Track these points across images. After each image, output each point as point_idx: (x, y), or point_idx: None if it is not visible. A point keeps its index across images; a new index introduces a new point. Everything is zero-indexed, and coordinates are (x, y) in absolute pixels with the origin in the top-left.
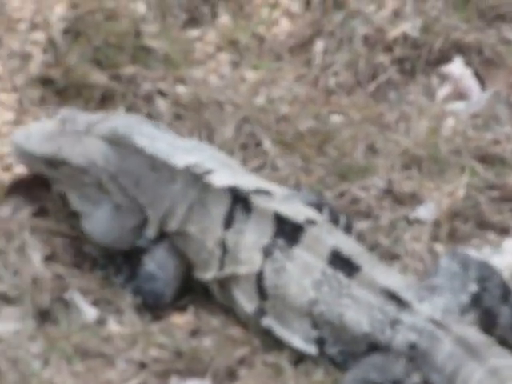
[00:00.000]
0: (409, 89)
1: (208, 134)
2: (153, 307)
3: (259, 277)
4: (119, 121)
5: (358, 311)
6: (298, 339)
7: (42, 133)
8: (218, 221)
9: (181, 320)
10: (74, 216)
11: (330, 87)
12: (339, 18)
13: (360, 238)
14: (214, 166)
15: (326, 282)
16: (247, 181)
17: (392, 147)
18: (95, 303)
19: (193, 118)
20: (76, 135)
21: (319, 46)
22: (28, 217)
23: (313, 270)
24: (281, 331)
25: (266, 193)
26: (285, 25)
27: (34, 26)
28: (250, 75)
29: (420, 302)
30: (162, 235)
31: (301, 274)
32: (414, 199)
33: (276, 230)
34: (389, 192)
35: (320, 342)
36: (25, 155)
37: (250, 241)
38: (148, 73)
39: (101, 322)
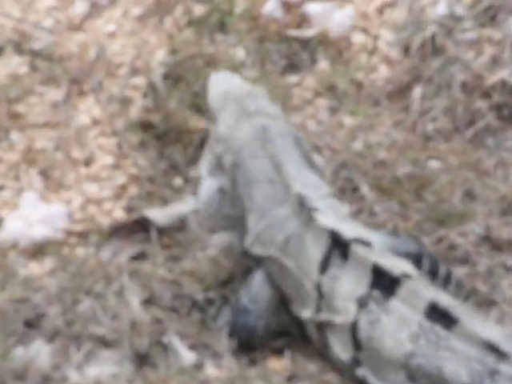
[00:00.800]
0: (507, 135)
1: None
2: (246, 342)
3: (353, 327)
4: (273, 122)
5: (457, 363)
6: None
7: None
8: (314, 262)
9: (278, 365)
10: (172, 259)
11: (427, 133)
12: (437, 64)
13: (457, 284)
14: (324, 205)
15: (423, 334)
16: (350, 228)
17: (490, 193)
18: (193, 347)
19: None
20: (240, 112)
21: (417, 91)
22: (127, 261)
23: (409, 323)
24: (376, 382)
25: (366, 243)
26: (383, 71)
27: (134, 71)
28: (348, 121)
29: None
30: (259, 260)
31: (397, 326)
32: None
33: (372, 281)
34: (487, 238)
35: None
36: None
37: (346, 289)
38: None
39: (198, 366)
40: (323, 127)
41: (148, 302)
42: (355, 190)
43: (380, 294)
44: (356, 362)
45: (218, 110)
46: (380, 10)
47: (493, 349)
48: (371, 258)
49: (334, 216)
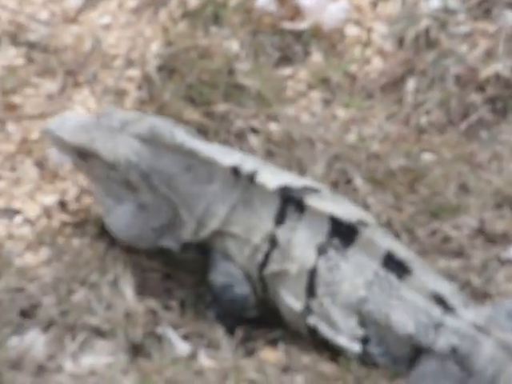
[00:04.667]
0: (501, 128)
1: (299, 170)
2: (243, 313)
3: (311, 274)
4: (156, 120)
5: (405, 312)
6: (343, 337)
7: (76, 123)
8: (267, 218)
9: (272, 356)
10: (165, 251)
11: (421, 126)
12: (431, 57)
13: (451, 276)
14: (256, 166)
15: (378, 282)
16: (293, 179)
17: (484, 186)
18: (187, 337)
19: (284, 154)
20: (110, 131)
21: (411, 84)
22: (121, 251)
23: (366, 270)
24: (326, 330)
25: (315, 191)
26: (377, 63)
27: (129, 63)
28: (342, 113)
29: (465, 308)
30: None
31: (354, 273)
32: (506, 239)
33: (331, 230)
34: (481, 231)
35: (364, 341)
36: (58, 142)
37: (304, 238)
38: (240, 110)
39: (193, 356)
40: (317, 119)
41: (142, 292)
42: (349, 182)
43: (339, 241)
44: (308, 311)
45: (90, 145)
46: (374, 3)
47: (440, 301)
48: (327, 208)
49: (271, 173)
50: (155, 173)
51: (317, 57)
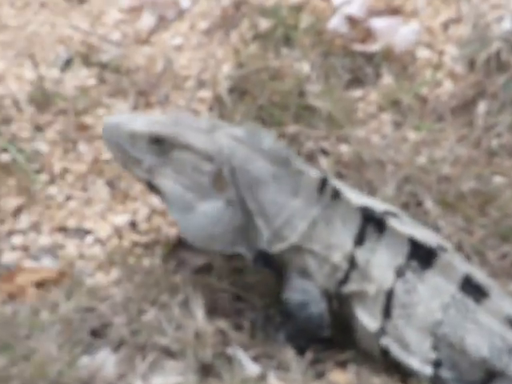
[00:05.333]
0: None
1: (369, 192)
2: (318, 330)
3: (389, 295)
4: (251, 126)
5: (480, 336)
6: (415, 360)
7: (146, 118)
8: (347, 238)
9: (342, 378)
10: (235, 272)
11: (492, 148)
12: (502, 80)
13: None
14: (339, 184)
15: (454, 305)
16: (376, 202)
17: None
18: (257, 358)
19: (355, 176)
20: (197, 129)
21: (482, 107)
22: (192, 272)
23: (443, 293)
24: (398, 351)
25: (395, 215)
26: (447, 86)
27: (200, 84)
28: (412, 135)
29: None
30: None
31: (430, 295)
32: None
33: (410, 253)
34: None
35: (436, 365)
36: (127, 135)
37: (383, 260)
38: (311, 132)
39: (262, 377)
40: (387, 141)
41: (212, 313)
42: (419, 204)
43: (417, 264)
44: (382, 332)
45: (176, 138)
46: (445, 26)
47: None
48: (407, 230)
49: (353, 193)
50: (242, 173)
51: (388, 79)
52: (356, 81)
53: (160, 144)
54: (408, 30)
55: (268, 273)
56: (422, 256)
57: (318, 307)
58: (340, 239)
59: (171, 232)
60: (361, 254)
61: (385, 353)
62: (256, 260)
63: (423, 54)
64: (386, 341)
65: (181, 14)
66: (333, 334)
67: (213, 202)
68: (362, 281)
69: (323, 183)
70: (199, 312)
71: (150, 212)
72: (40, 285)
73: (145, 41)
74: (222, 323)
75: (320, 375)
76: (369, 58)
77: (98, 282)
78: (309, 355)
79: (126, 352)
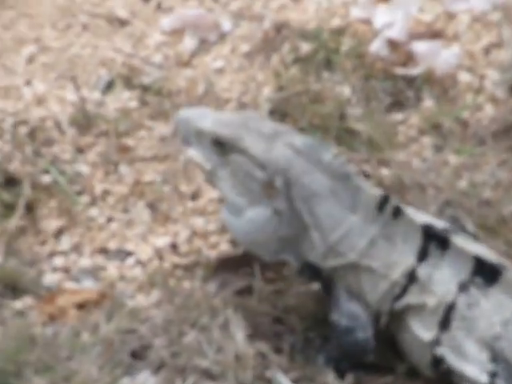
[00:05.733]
0: None
1: None
2: (362, 355)
3: (449, 308)
4: (311, 138)
5: None
6: (472, 368)
7: (218, 117)
8: (409, 255)
9: None
10: (276, 294)
11: None
12: None
13: None
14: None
15: None
16: (435, 219)
17: None
18: (297, 381)
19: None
20: (260, 134)
21: None
22: (232, 294)
23: (505, 309)
24: (454, 359)
25: (456, 232)
26: (488, 110)
27: (241, 107)
28: (453, 159)
29: None
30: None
31: (492, 311)
32: None
33: (474, 269)
34: None
35: (493, 376)
36: (194, 132)
37: (446, 275)
38: (352, 155)
39: None
40: (428, 165)
41: (252, 336)
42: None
43: (482, 280)
44: (436, 342)
45: (236, 141)
46: (486, 50)
47: None
48: (471, 247)
49: (412, 210)
50: (298, 186)
51: (429, 102)
52: (397, 104)
53: (221, 145)
54: (449, 54)
55: (309, 295)
56: (486, 273)
57: (365, 333)
58: (401, 257)
59: (212, 254)
60: (422, 270)
61: (437, 363)
62: (303, 270)
63: (464, 77)
64: (440, 350)
65: (222, 36)
66: (376, 358)
67: (261, 209)
68: (420, 294)
69: (383, 201)
70: (239, 334)
71: (191, 234)
72: (81, 306)
73: (186, 63)
74: (262, 346)
75: None
76: (410, 81)
77: (138, 304)
78: (349, 378)
79: (166, 374)
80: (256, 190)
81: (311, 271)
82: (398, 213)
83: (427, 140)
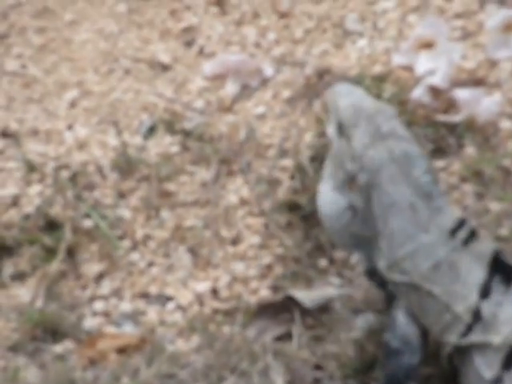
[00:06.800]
0: None
1: None
2: (404, 382)
3: None
4: (414, 150)
5: None
6: None
7: (358, 100)
8: (472, 288)
9: None
10: (315, 340)
11: None
12: None
13: None
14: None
15: None
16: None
17: None
18: None
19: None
20: (375, 129)
21: None
22: (272, 340)
23: None
24: None
25: None
26: None
27: (282, 153)
28: (495, 207)
29: None
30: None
31: None
32: None
33: None
34: None
35: None
36: (331, 104)
37: (510, 314)
38: None
39: None
40: (469, 212)
41: (291, 381)
42: None
43: None
44: (498, 381)
45: (350, 127)
46: None
47: None
48: None
49: (480, 239)
50: (381, 191)
51: (470, 150)
52: (439, 151)
53: (340, 127)
54: (491, 102)
55: (349, 342)
56: None
57: (412, 359)
58: (464, 289)
59: (252, 299)
60: (486, 307)
61: None
62: (372, 275)
63: (506, 125)
64: None
65: (264, 82)
66: None
67: (340, 197)
68: (485, 333)
69: (458, 225)
70: (279, 380)
71: (231, 279)
72: (121, 351)
73: (228, 109)
74: None
75: None
76: (452, 128)
77: (178, 349)
78: None
79: None
80: (342, 177)
81: (378, 279)
82: (470, 239)
83: (468, 187)
